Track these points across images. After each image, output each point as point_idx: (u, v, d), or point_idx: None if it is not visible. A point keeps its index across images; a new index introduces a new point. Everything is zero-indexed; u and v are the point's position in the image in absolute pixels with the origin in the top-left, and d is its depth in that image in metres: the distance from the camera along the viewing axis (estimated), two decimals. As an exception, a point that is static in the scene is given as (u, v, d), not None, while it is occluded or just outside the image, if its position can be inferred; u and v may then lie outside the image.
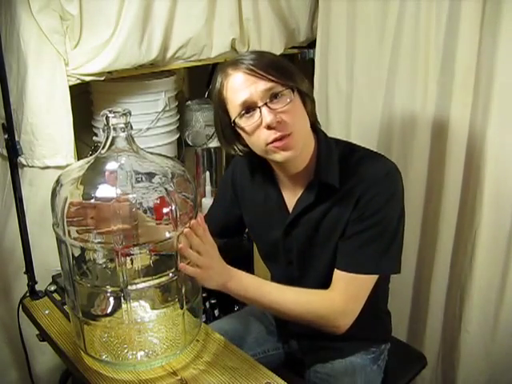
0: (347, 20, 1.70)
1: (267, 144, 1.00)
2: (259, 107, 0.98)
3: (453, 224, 1.57)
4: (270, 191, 1.17)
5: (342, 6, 1.70)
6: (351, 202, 1.04)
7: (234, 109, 1.02)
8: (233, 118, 1.02)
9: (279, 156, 1.02)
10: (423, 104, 1.56)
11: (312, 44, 1.90)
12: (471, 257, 1.52)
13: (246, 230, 1.32)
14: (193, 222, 0.94)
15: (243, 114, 1.00)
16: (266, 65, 0.99)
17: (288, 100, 0.98)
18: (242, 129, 1.02)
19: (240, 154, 1.10)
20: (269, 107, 0.98)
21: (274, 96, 0.98)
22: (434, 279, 1.65)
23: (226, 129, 1.06)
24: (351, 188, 1.05)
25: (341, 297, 1.04)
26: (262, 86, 0.98)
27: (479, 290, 1.52)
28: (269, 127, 0.98)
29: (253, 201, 1.22)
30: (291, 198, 1.14)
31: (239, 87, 0.99)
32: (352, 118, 1.76)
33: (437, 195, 1.59)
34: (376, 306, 1.28)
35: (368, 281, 1.05)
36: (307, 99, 1.04)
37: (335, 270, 1.06)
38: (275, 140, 0.99)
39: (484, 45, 1.39)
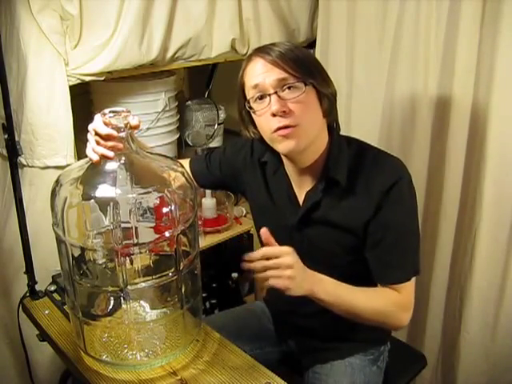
0: (347, 20, 1.70)
1: (272, 132, 1.03)
2: (269, 94, 1.01)
3: (453, 224, 1.57)
4: (281, 182, 1.18)
5: (342, 5, 1.70)
6: (370, 204, 1.05)
7: (248, 91, 1.06)
8: (247, 100, 1.06)
9: (281, 146, 1.04)
10: (423, 104, 1.56)
11: (312, 44, 1.90)
12: (471, 257, 1.52)
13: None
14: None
15: (256, 99, 1.04)
16: (287, 57, 1.02)
17: (299, 92, 1.01)
18: (254, 112, 1.06)
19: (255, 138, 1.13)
20: (278, 96, 1.01)
21: (288, 87, 1.01)
22: (433, 279, 1.65)
23: (243, 111, 1.10)
24: (365, 189, 1.06)
25: (403, 294, 1.07)
26: (276, 75, 1.01)
27: (479, 290, 1.52)
28: (274, 115, 1.01)
29: (261, 185, 1.22)
30: (300, 192, 1.15)
31: (256, 72, 1.03)
32: (352, 118, 1.76)
33: (437, 195, 1.59)
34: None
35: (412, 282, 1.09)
36: (324, 98, 1.06)
37: (381, 286, 1.08)
38: (279, 128, 1.01)
39: (484, 45, 1.39)
